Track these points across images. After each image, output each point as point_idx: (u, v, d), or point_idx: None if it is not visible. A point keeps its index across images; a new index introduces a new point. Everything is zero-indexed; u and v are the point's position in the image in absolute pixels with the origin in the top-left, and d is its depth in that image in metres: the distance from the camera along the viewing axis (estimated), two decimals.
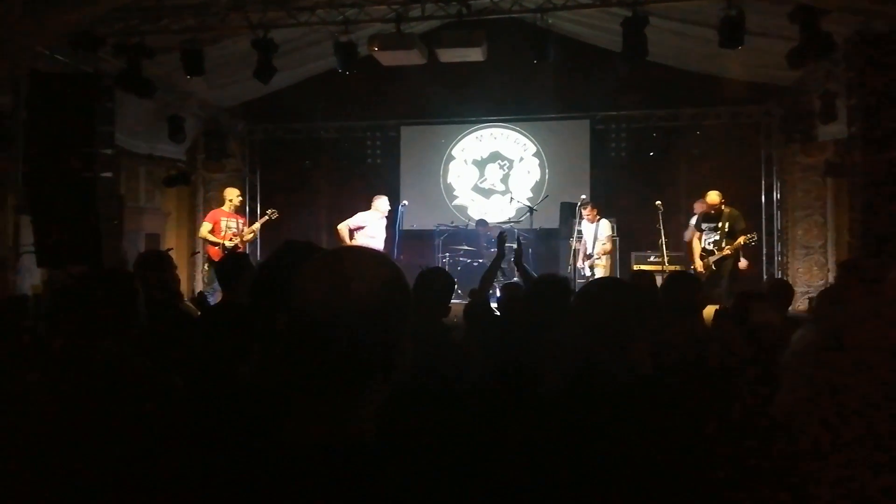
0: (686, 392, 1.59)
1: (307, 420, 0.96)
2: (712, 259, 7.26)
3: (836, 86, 7.35)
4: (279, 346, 1.14)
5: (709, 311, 4.11)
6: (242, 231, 7.72)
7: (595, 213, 8.12)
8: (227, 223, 7.69)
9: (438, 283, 3.12)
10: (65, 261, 6.66)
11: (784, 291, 4.22)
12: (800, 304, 8.87)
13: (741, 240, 7.12)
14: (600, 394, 1.47)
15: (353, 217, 8.13)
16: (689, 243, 7.83)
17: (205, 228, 7.75)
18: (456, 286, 8.75)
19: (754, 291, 3.75)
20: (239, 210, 7.99)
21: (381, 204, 8.16)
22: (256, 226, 7.90)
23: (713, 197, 7.39)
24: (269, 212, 7.93)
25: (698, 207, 8.20)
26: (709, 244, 7.35)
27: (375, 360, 0.99)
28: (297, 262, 1.13)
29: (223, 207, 7.85)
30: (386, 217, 8.21)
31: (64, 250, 6.68)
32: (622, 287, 1.81)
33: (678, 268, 8.15)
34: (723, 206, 7.36)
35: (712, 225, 7.35)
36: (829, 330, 0.72)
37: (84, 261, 6.54)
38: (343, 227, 8.08)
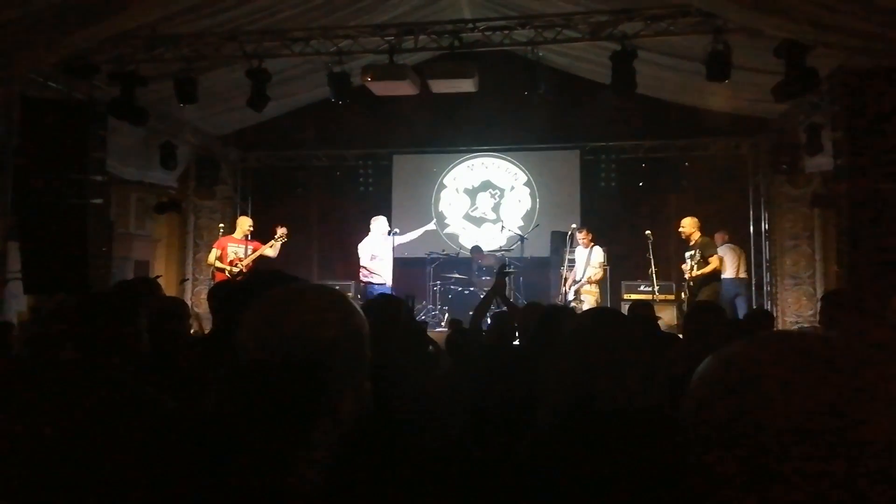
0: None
1: (250, 465, 0.90)
2: (687, 285, 7.26)
3: (821, 119, 7.49)
4: (228, 384, 1.09)
5: None
6: (250, 255, 7.63)
7: (589, 238, 8.12)
8: (235, 249, 7.63)
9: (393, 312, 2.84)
10: (52, 288, 6.61)
11: (763, 321, 4.16)
12: None
13: (713, 263, 7.06)
14: (598, 427, 1.46)
15: (362, 250, 7.92)
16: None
17: (212, 255, 7.69)
18: (446, 314, 8.75)
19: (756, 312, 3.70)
20: (250, 237, 7.87)
21: (382, 224, 8.11)
22: (273, 246, 7.67)
23: (683, 225, 7.38)
24: (280, 234, 7.77)
25: (719, 239, 8.23)
26: (687, 272, 7.34)
27: (320, 404, 0.94)
28: (257, 292, 1.11)
29: (234, 234, 7.80)
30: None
31: (51, 277, 6.63)
32: (618, 317, 1.81)
33: (669, 297, 8.16)
34: (692, 234, 7.30)
35: (690, 253, 7.37)
36: (731, 365, 0.69)
37: (71, 288, 6.48)
38: (366, 263, 7.93)
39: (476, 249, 9.51)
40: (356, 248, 8.09)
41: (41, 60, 6.10)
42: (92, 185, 7.04)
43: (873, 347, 0.65)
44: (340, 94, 7.38)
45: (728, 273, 8.83)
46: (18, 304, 7.17)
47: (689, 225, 7.37)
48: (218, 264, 7.59)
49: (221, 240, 7.89)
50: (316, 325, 0.96)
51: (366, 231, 8.19)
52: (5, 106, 6.58)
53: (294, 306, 0.98)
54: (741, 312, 8.21)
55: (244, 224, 7.84)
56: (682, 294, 7.37)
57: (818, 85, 6.27)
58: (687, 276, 7.24)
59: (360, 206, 10.37)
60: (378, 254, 7.89)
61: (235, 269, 7.50)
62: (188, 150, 9.69)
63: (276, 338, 0.95)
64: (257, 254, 7.63)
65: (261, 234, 8.13)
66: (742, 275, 8.88)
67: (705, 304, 3.84)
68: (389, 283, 7.91)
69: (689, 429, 0.68)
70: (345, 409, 0.96)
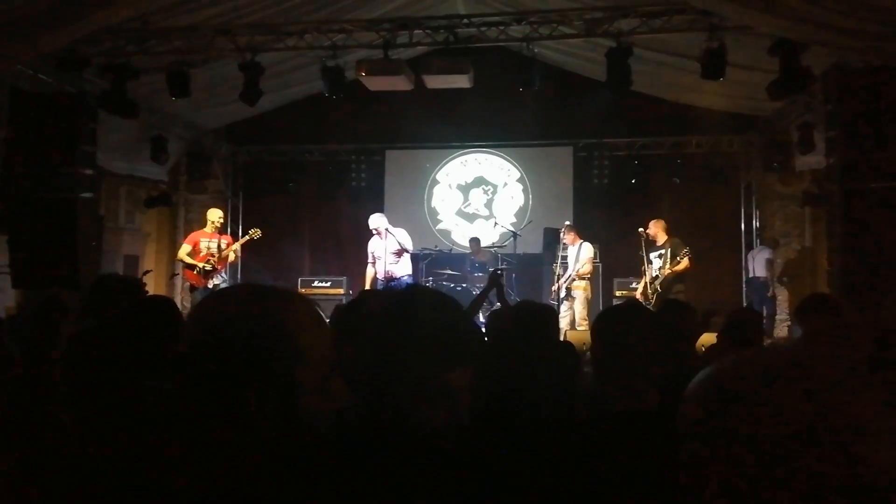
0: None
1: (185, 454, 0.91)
2: (657, 282, 7.23)
3: (813, 117, 7.53)
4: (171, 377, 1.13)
5: (706, 339, 4.07)
6: (224, 250, 7.53)
7: (574, 236, 8.13)
8: (208, 244, 7.52)
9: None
10: (41, 282, 6.55)
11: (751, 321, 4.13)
12: (780, 331, 8.98)
13: (684, 262, 7.06)
14: (605, 428, 1.45)
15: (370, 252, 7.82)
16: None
17: (183, 251, 7.53)
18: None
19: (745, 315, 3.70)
20: (222, 230, 7.80)
21: (371, 222, 7.96)
22: (237, 245, 7.64)
23: (649, 227, 7.39)
24: (251, 231, 7.73)
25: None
26: (655, 271, 7.35)
27: (266, 405, 0.93)
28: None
29: (205, 228, 7.71)
30: (379, 232, 7.80)
31: (41, 271, 6.56)
32: (645, 314, 1.79)
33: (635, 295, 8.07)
34: (657, 235, 7.34)
35: (657, 253, 7.34)
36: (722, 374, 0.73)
37: (61, 282, 6.42)
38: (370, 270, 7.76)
39: (474, 241, 9.46)
40: (349, 244, 8.04)
41: (31, 52, 6.01)
42: (82, 179, 6.97)
43: (842, 362, 0.69)
44: (334, 89, 7.34)
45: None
46: (6, 298, 7.10)
47: (654, 226, 7.40)
48: (187, 260, 7.41)
49: (193, 234, 7.74)
50: (248, 323, 0.95)
51: (358, 226, 8.13)
52: None
53: (230, 303, 1.00)
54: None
55: (214, 216, 7.64)
56: (648, 291, 7.34)
57: (812, 84, 6.30)
58: (657, 273, 7.24)
59: (352, 201, 10.33)
60: (377, 253, 7.78)
61: (208, 267, 7.38)
62: (179, 144, 9.61)
63: (206, 332, 0.96)
64: (231, 249, 7.50)
65: (250, 228, 8.08)
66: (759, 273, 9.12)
67: (674, 301, 3.83)
68: (385, 276, 7.74)
69: (684, 436, 0.73)
70: (306, 407, 0.95)
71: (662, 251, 7.31)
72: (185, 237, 8.14)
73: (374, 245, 7.80)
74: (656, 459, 1.39)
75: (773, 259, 9.21)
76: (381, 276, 7.71)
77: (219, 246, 7.48)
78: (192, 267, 7.42)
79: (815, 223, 9.07)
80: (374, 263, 7.71)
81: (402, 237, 7.77)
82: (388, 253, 7.71)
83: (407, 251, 7.83)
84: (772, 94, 6.44)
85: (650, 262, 7.41)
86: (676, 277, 7.17)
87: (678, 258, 7.13)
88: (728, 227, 9.83)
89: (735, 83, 7.16)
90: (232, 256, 7.59)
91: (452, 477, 1.09)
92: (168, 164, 9.36)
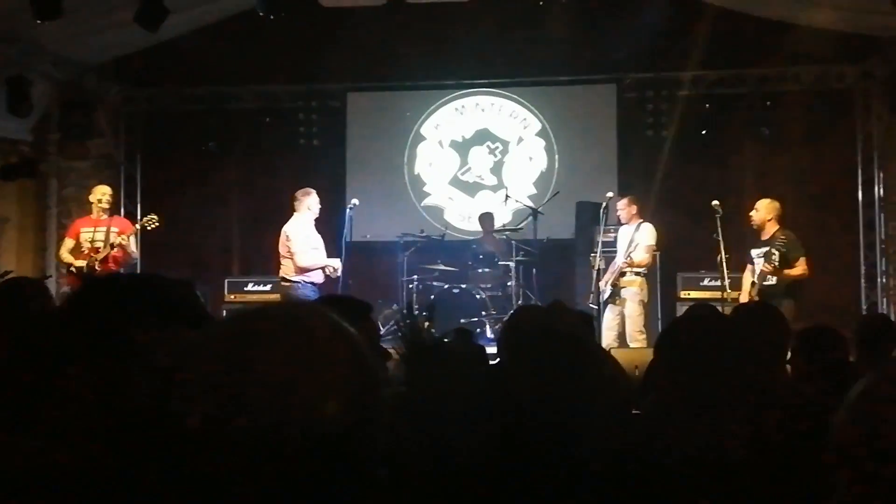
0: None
1: None
2: (754, 291, 7.06)
3: None
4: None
5: None
6: (114, 241, 7.45)
7: (634, 210, 8.03)
8: (94, 234, 7.48)
9: None
10: None
11: (882, 331, 4.11)
12: None
13: (799, 267, 6.98)
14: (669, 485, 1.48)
15: (295, 234, 7.73)
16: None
17: (65, 248, 7.61)
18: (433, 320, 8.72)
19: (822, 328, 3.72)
20: (112, 213, 7.81)
21: (313, 201, 7.97)
22: (125, 238, 7.52)
23: (757, 208, 7.29)
24: (145, 219, 7.73)
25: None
26: (757, 276, 7.14)
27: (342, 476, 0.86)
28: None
29: (91, 214, 7.70)
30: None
31: None
32: (727, 326, 1.81)
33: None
34: (766, 224, 7.22)
35: (760, 251, 7.15)
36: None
37: None
38: (307, 260, 7.71)
39: (487, 217, 9.41)
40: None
41: None
42: None
43: None
44: (271, 6, 7.31)
45: None
46: None
47: (763, 210, 7.24)
48: (68, 259, 7.49)
49: (75, 223, 7.82)
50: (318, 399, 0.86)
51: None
52: None
53: (264, 350, 0.87)
54: None
55: (96, 195, 7.70)
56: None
57: None
58: (756, 279, 7.08)
59: (300, 166, 10.33)
60: (314, 243, 7.79)
61: (80, 265, 7.35)
62: (48, 88, 9.58)
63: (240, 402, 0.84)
64: (120, 240, 7.43)
65: (153, 207, 8.05)
66: None
67: (760, 305, 3.79)
68: (319, 281, 7.75)
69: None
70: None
71: (766, 249, 7.05)
72: (63, 221, 7.96)
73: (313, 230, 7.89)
74: None
75: None
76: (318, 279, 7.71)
77: (106, 237, 7.45)
78: (69, 269, 7.50)
79: None
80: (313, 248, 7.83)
81: None
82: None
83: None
84: None
85: (752, 263, 7.26)
86: (788, 288, 6.95)
87: (791, 263, 6.92)
88: (839, 195, 9.86)
89: None
90: (132, 246, 7.53)
91: None
92: (33, 117, 9.32)
